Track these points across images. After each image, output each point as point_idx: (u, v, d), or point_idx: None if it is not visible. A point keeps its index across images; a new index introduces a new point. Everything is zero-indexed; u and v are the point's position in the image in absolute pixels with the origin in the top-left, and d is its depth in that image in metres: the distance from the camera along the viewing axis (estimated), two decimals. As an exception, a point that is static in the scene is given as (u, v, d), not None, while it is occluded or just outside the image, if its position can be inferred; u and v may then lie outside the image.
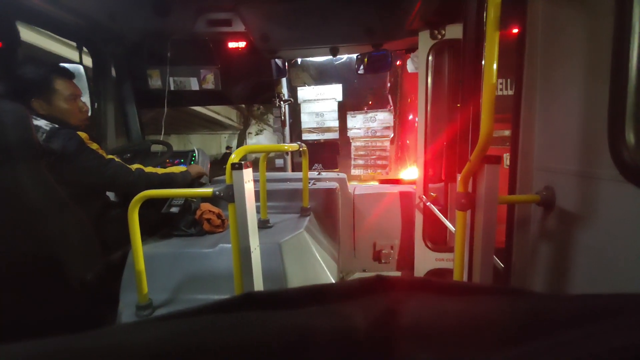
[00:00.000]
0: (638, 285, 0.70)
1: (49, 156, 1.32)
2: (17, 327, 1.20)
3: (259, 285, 1.08)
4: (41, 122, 1.35)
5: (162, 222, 1.59)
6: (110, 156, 1.48)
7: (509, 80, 2.08)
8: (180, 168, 1.73)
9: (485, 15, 0.80)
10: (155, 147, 2.28)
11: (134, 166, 1.53)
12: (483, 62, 0.82)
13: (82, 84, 1.96)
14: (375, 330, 0.23)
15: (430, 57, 2.04)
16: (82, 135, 1.41)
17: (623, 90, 0.70)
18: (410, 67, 2.52)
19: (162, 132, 2.45)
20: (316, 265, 1.58)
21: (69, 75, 1.52)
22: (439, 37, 1.97)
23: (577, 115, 0.85)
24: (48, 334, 0.22)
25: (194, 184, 1.90)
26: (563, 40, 0.90)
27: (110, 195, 1.85)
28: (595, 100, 0.79)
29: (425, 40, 2.01)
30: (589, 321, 0.22)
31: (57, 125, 1.38)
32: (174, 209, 1.55)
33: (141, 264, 1.17)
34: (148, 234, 1.53)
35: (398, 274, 2.42)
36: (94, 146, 1.45)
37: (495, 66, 0.77)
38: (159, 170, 1.61)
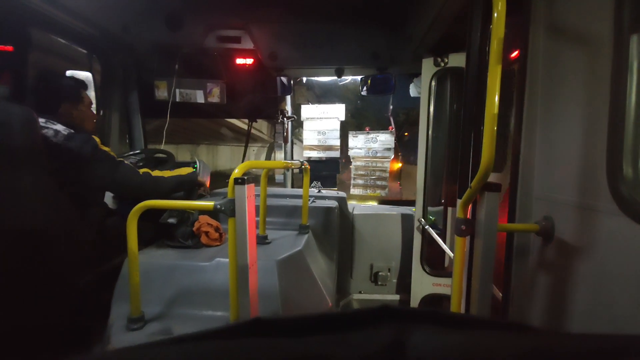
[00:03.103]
0: (635, 319, 0.70)
1: (66, 156, 1.40)
2: (8, 329, 1.17)
3: (254, 302, 1.06)
4: (59, 127, 1.44)
5: (158, 232, 1.58)
6: (120, 158, 1.57)
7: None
8: (187, 169, 1.79)
9: (488, 47, 0.83)
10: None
11: (142, 170, 1.61)
12: (485, 92, 0.84)
13: (91, 91, 2.00)
14: None
15: (432, 83, 2.09)
16: (96, 139, 1.53)
17: (621, 125, 0.72)
18: (412, 91, 2.57)
19: (163, 142, 2.46)
20: (312, 284, 1.56)
21: (87, 86, 1.71)
22: (442, 64, 2.03)
23: (576, 148, 0.87)
24: (37, 339, 0.22)
25: (193, 194, 1.91)
26: (563, 74, 0.93)
27: (108, 201, 1.85)
28: (594, 134, 0.81)
29: (428, 67, 2.06)
30: None
31: (72, 130, 1.47)
32: (171, 220, 1.54)
33: (136, 275, 1.15)
34: (144, 244, 1.52)
35: (395, 297, 2.38)
36: (106, 149, 1.55)
37: (497, 97, 0.79)
38: (166, 174, 1.68)
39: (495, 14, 0.78)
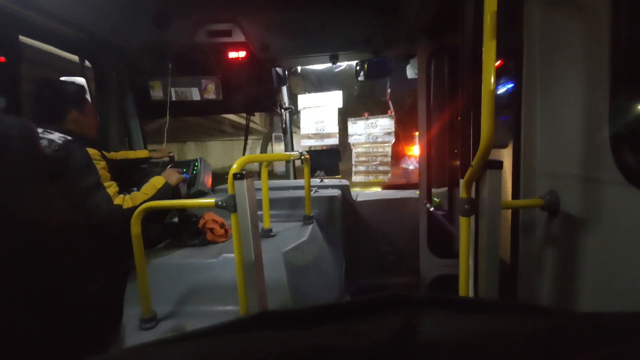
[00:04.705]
0: None
1: (55, 166, 1.34)
2: (22, 340, 1.20)
3: (262, 295, 1.07)
4: (54, 136, 1.38)
5: (165, 233, 1.59)
6: (108, 183, 1.43)
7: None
8: (158, 183, 1.58)
9: (481, 21, 0.80)
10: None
11: (116, 201, 1.43)
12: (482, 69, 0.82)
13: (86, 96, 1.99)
14: (392, 348, 0.23)
15: (429, 63, 2.05)
16: (91, 151, 1.41)
17: (623, 92, 0.70)
18: (409, 72, 2.53)
19: (165, 142, 2.46)
20: (320, 273, 1.57)
21: (87, 90, 1.67)
22: (437, 43, 1.98)
23: (578, 119, 0.85)
24: (51, 344, 0.23)
25: (177, 194, 1.84)
26: (562, 44, 0.90)
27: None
28: (596, 104, 0.78)
29: (424, 47, 2.02)
30: (606, 341, 0.22)
31: (69, 138, 1.40)
32: (175, 219, 1.55)
33: (145, 276, 1.17)
34: (151, 245, 1.53)
35: (405, 281, 2.40)
36: (100, 164, 1.43)
37: (493, 73, 0.77)
38: (139, 198, 1.49)
39: None
